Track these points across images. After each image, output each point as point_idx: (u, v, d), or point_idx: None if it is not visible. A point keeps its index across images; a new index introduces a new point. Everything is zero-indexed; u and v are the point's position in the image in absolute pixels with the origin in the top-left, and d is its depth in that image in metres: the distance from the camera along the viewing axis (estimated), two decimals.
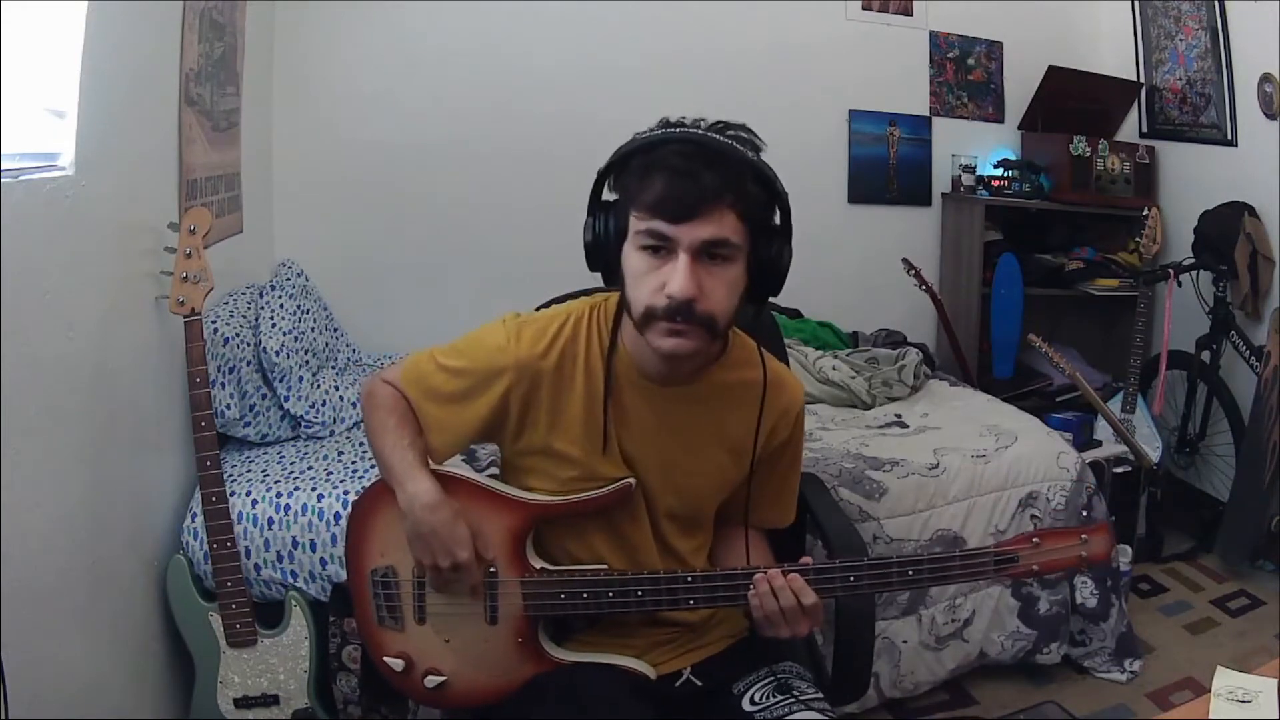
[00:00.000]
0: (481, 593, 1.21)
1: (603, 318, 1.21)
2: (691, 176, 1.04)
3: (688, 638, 1.30)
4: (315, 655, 1.79)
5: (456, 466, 1.30)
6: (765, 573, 1.13)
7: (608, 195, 1.13)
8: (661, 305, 1.07)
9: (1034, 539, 1.13)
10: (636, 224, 1.08)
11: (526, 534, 1.22)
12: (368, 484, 1.34)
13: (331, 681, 1.90)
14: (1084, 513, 2.29)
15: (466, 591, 1.20)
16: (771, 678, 1.24)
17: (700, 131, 1.08)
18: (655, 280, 1.08)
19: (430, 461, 1.22)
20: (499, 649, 1.22)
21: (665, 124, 1.11)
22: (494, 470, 1.36)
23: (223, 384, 2.03)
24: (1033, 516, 2.25)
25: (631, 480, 1.20)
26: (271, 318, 2.27)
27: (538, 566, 1.22)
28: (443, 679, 1.24)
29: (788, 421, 1.29)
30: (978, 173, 3.53)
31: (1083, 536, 1.13)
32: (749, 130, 1.11)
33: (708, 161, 1.05)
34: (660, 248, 1.07)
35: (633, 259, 1.09)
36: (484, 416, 1.20)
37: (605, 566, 1.22)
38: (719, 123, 1.11)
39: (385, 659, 1.26)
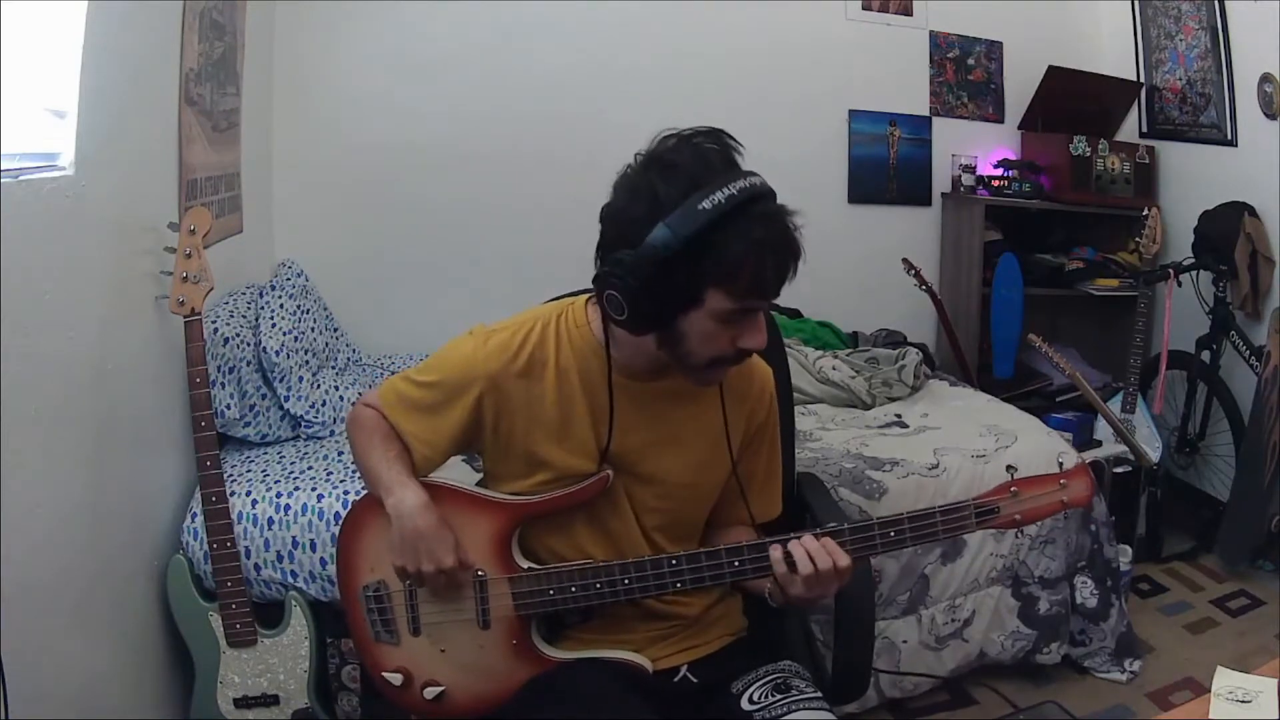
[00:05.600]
0: (465, 591, 1.21)
1: (571, 321, 1.22)
2: (786, 251, 1.04)
3: (685, 633, 1.30)
4: (315, 655, 1.79)
5: (452, 469, 1.30)
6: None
7: (661, 241, 1.01)
8: (732, 354, 1.11)
9: (1012, 488, 1.12)
10: (723, 302, 1.05)
11: (511, 535, 1.22)
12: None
13: (333, 701, 1.91)
14: (1084, 512, 2.29)
15: (448, 591, 1.20)
16: (770, 676, 1.24)
17: (778, 205, 1.05)
18: (728, 336, 1.09)
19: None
20: (494, 653, 1.23)
21: (702, 177, 1.01)
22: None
23: (223, 384, 2.03)
24: None
25: (609, 473, 1.20)
26: (271, 318, 2.27)
27: (524, 566, 1.22)
28: (441, 689, 1.24)
29: (763, 403, 1.30)
30: (978, 172, 3.54)
31: (1061, 481, 1.12)
32: (733, 139, 1.07)
33: (789, 236, 1.05)
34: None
35: (704, 325, 1.07)
36: (459, 425, 1.21)
37: (592, 560, 1.22)
38: (712, 134, 1.06)
39: (384, 674, 1.26)
